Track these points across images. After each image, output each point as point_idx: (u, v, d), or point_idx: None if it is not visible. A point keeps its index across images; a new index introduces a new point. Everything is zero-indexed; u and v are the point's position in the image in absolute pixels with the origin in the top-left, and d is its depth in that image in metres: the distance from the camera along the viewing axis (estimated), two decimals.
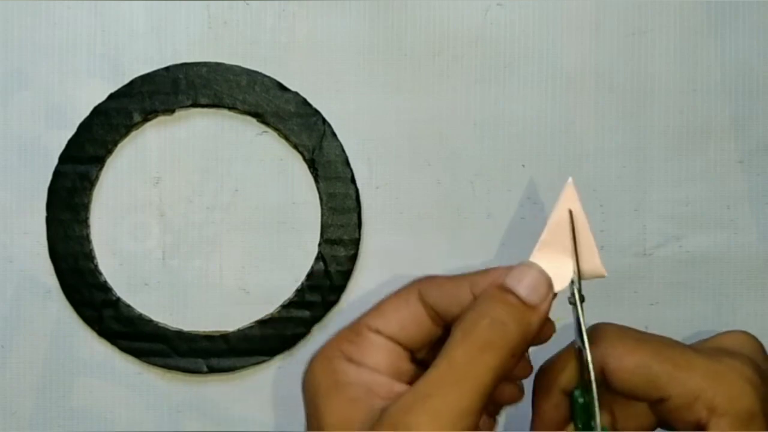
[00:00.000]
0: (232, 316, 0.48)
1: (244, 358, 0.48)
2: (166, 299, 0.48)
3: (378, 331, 0.34)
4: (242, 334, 0.48)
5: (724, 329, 0.41)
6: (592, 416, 0.34)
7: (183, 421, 0.48)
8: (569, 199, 0.35)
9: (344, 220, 0.48)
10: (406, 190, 0.48)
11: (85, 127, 0.48)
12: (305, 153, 0.48)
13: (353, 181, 0.48)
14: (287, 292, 0.48)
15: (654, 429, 0.37)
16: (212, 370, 0.48)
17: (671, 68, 0.48)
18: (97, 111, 0.48)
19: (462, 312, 0.34)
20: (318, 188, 0.48)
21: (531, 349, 0.36)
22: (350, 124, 0.48)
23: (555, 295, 0.35)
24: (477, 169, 0.48)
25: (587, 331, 0.36)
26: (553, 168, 0.48)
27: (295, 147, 0.48)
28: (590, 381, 0.34)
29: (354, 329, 0.35)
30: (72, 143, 0.48)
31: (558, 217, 0.35)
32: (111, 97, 0.48)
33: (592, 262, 0.35)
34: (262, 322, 0.48)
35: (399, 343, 0.35)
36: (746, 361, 0.34)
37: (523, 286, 0.33)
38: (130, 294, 0.48)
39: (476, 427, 0.31)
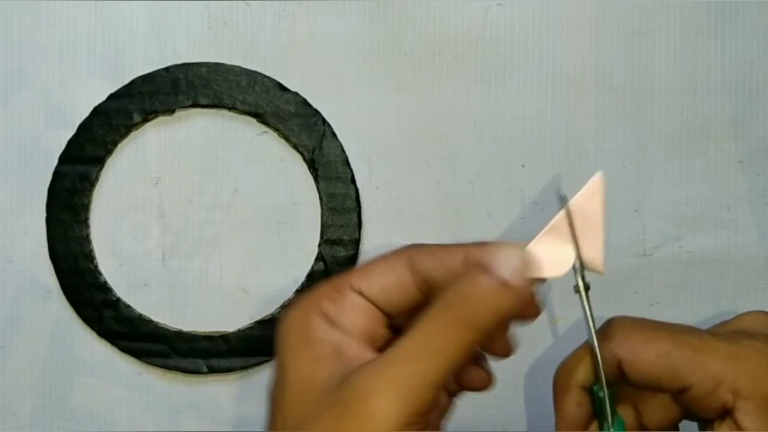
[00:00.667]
0: (232, 316, 0.48)
1: (244, 358, 0.48)
2: (166, 299, 0.48)
3: (360, 292, 0.34)
4: (242, 335, 0.48)
5: None
6: (605, 410, 0.34)
7: (183, 421, 0.48)
8: (595, 192, 0.34)
9: (344, 220, 0.48)
10: (406, 190, 0.48)
11: (85, 127, 0.48)
12: (305, 153, 0.48)
13: (353, 181, 0.48)
14: (287, 292, 0.48)
15: (679, 421, 0.37)
16: (212, 370, 0.48)
17: (671, 68, 0.48)
18: (97, 111, 0.48)
19: (451, 281, 0.33)
20: (318, 188, 0.48)
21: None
22: (350, 124, 0.48)
23: (544, 280, 0.34)
24: (477, 169, 0.48)
25: (602, 325, 0.36)
26: (553, 168, 0.48)
27: (295, 147, 0.48)
28: (599, 372, 0.34)
29: (336, 286, 0.35)
30: (72, 143, 0.48)
31: (576, 206, 0.34)
32: (111, 97, 0.48)
33: (595, 257, 0.35)
34: (262, 323, 0.48)
35: (379, 307, 0.34)
36: (766, 340, 0.34)
37: (506, 268, 0.32)
38: (130, 294, 0.48)
39: (435, 402, 0.31)
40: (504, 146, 0.48)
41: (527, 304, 0.34)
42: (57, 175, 0.48)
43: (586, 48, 0.48)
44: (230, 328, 0.48)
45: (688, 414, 0.36)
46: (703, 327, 0.48)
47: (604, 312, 0.48)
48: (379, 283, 0.34)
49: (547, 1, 0.48)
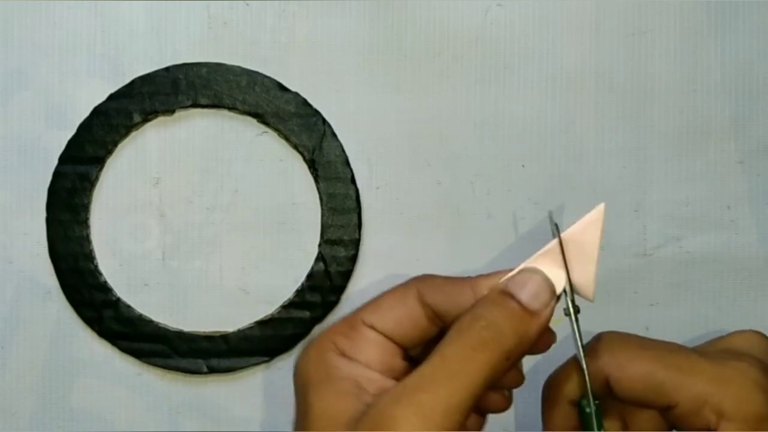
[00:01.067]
0: (232, 317, 0.48)
1: (244, 358, 0.48)
2: (166, 300, 0.48)
3: (373, 327, 0.34)
4: (242, 335, 0.48)
5: (725, 329, 0.41)
6: (591, 424, 0.34)
7: (183, 421, 0.48)
8: (595, 222, 0.35)
9: (344, 220, 0.48)
10: (406, 190, 0.48)
11: (85, 127, 0.48)
12: (305, 153, 0.48)
13: (353, 181, 0.48)
14: (287, 293, 0.48)
15: None
16: (212, 370, 0.48)
17: (671, 68, 0.48)
18: (97, 111, 0.48)
19: (461, 314, 0.34)
20: (318, 188, 0.48)
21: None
22: (350, 124, 0.48)
23: (557, 301, 0.35)
24: (477, 169, 0.48)
25: (591, 340, 0.36)
26: (553, 168, 0.48)
27: (295, 147, 0.48)
28: (586, 389, 0.34)
29: (349, 323, 0.35)
30: (72, 143, 0.48)
31: (574, 232, 0.35)
32: (111, 97, 0.48)
33: (587, 284, 0.35)
34: (262, 323, 0.48)
35: (393, 341, 0.35)
36: (754, 363, 0.34)
37: (526, 292, 0.33)
38: (130, 294, 0.48)
39: (462, 427, 0.31)
40: (504, 146, 0.48)
41: (544, 331, 0.34)
42: (57, 175, 0.48)
43: (586, 48, 0.48)
44: (230, 328, 0.48)
45: (675, 429, 0.36)
46: (703, 327, 0.48)
47: (604, 312, 0.48)
48: (390, 316, 0.34)
49: (547, 1, 0.48)
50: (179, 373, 0.48)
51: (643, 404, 0.35)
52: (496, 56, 0.48)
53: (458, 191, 0.48)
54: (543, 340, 0.35)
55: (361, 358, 0.34)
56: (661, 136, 0.48)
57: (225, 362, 0.48)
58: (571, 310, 0.35)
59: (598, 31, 0.48)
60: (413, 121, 0.48)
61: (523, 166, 0.48)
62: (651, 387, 0.33)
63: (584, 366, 0.34)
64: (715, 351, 0.36)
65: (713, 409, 0.33)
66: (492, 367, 0.32)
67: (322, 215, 0.48)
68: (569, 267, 0.34)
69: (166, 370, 0.48)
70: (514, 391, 0.37)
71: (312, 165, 0.48)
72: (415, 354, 0.36)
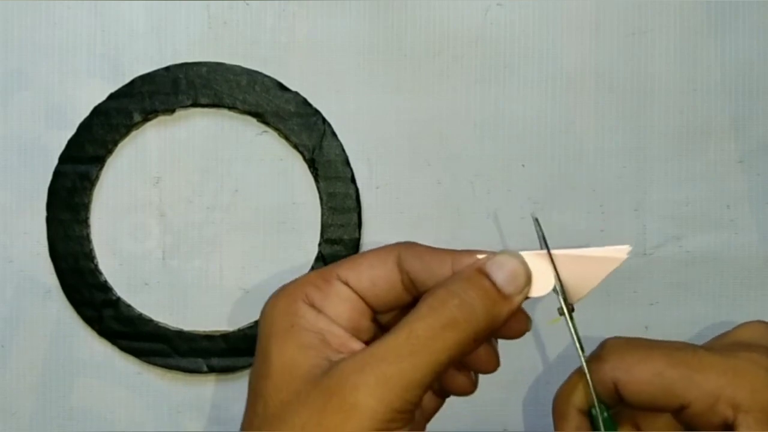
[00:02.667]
0: (232, 316, 0.48)
1: (244, 358, 0.48)
2: (166, 299, 0.48)
3: (347, 283, 0.34)
4: (242, 334, 0.48)
5: (725, 329, 0.41)
6: (605, 428, 0.34)
7: (183, 421, 0.48)
8: (611, 261, 0.34)
9: (344, 219, 0.48)
10: (406, 190, 0.48)
11: (85, 127, 0.48)
12: (305, 153, 0.48)
13: (353, 181, 0.48)
14: None
15: None
16: (212, 369, 0.48)
17: (671, 68, 0.48)
18: (97, 111, 0.48)
19: (436, 285, 0.33)
20: (318, 188, 0.48)
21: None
22: (350, 124, 0.48)
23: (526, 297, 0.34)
24: (477, 169, 0.48)
25: (596, 348, 0.35)
26: (553, 168, 0.48)
27: (295, 147, 0.48)
28: (592, 394, 0.34)
29: (323, 275, 0.34)
30: (72, 143, 0.48)
31: (583, 256, 0.34)
32: (111, 97, 0.48)
33: (578, 295, 0.35)
34: None
35: (365, 300, 0.34)
36: (765, 352, 0.33)
37: (502, 274, 0.32)
38: (130, 294, 0.48)
39: (419, 402, 0.31)
40: (504, 146, 0.48)
41: (517, 315, 0.34)
42: (57, 174, 0.48)
43: (586, 48, 0.48)
44: (230, 327, 0.48)
45: (690, 430, 0.35)
46: (703, 327, 0.48)
47: (604, 312, 0.48)
48: (366, 275, 0.34)
49: (547, 1, 0.48)
50: (179, 372, 0.48)
51: (654, 408, 0.34)
52: (496, 56, 0.48)
53: (458, 191, 0.48)
54: (516, 324, 0.34)
55: (330, 312, 0.33)
56: (661, 136, 0.48)
57: (225, 361, 0.48)
58: (565, 309, 0.34)
59: (598, 31, 0.48)
60: (413, 121, 0.48)
61: (523, 166, 0.48)
62: (661, 388, 0.33)
63: (584, 365, 0.34)
64: (723, 344, 0.35)
65: (728, 402, 0.32)
66: (458, 347, 0.31)
67: (322, 215, 0.48)
68: (569, 277, 0.34)
69: (166, 370, 0.48)
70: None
71: (312, 164, 0.48)
72: (383, 320, 0.36)
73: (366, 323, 0.35)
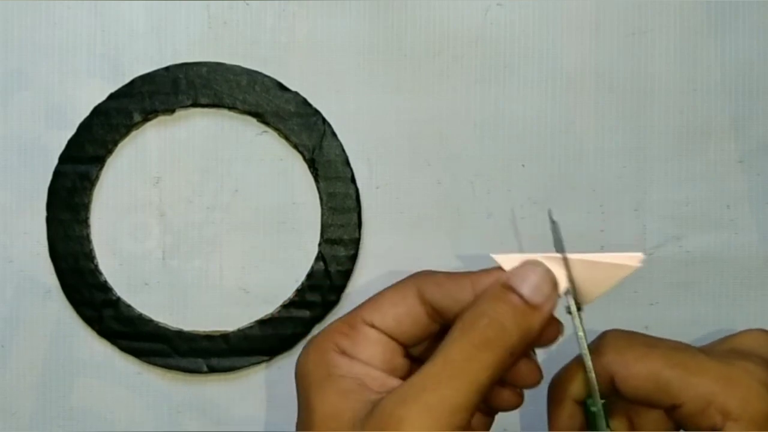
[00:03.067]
0: (232, 316, 0.48)
1: (244, 358, 0.48)
2: (166, 299, 0.48)
3: (373, 325, 0.34)
4: (242, 334, 0.48)
5: (725, 329, 0.41)
6: (599, 425, 0.34)
7: (183, 421, 0.48)
8: (623, 268, 0.34)
9: (344, 219, 0.48)
10: (406, 190, 0.48)
11: (85, 127, 0.48)
12: (305, 153, 0.48)
13: (353, 181, 0.48)
14: (287, 292, 0.48)
15: None
16: (212, 370, 0.48)
17: (671, 68, 0.48)
18: (97, 111, 0.48)
19: (462, 310, 0.33)
20: (318, 188, 0.48)
21: (542, 359, 0.36)
22: (350, 124, 0.48)
23: (559, 296, 0.34)
24: (477, 169, 0.48)
25: (596, 338, 0.36)
26: (553, 168, 0.48)
27: (295, 147, 0.48)
28: (592, 388, 0.34)
29: (349, 322, 0.35)
30: (72, 143, 0.48)
31: (595, 262, 0.34)
32: (111, 97, 0.48)
33: (587, 298, 0.35)
34: (262, 322, 0.48)
35: (394, 338, 0.34)
36: (760, 363, 0.34)
37: (527, 285, 0.32)
38: (130, 294, 0.48)
39: (469, 425, 0.31)
40: (504, 146, 0.48)
41: (549, 323, 0.34)
42: (57, 174, 0.48)
43: (586, 48, 0.48)
44: (230, 327, 0.48)
45: (681, 428, 0.36)
46: (703, 327, 0.48)
47: (604, 312, 0.48)
48: (390, 314, 0.34)
49: (547, 1, 0.48)
50: (179, 372, 0.48)
51: (648, 404, 0.34)
52: (496, 56, 0.48)
53: (458, 191, 0.48)
54: (549, 332, 0.34)
55: (363, 357, 0.34)
56: (661, 135, 0.49)
57: (225, 362, 0.48)
58: (573, 309, 0.34)
59: (598, 31, 0.48)
60: (413, 121, 0.48)
61: (523, 166, 0.48)
62: (657, 386, 0.33)
63: (589, 365, 0.34)
64: (722, 350, 0.35)
65: (719, 409, 0.32)
66: (496, 365, 0.32)
67: (322, 215, 0.48)
68: (580, 281, 0.34)
69: (167, 370, 0.48)
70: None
71: (312, 164, 0.48)
72: (416, 352, 0.36)
73: (399, 360, 0.35)
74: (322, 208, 0.48)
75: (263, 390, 0.48)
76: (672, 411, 0.34)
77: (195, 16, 0.48)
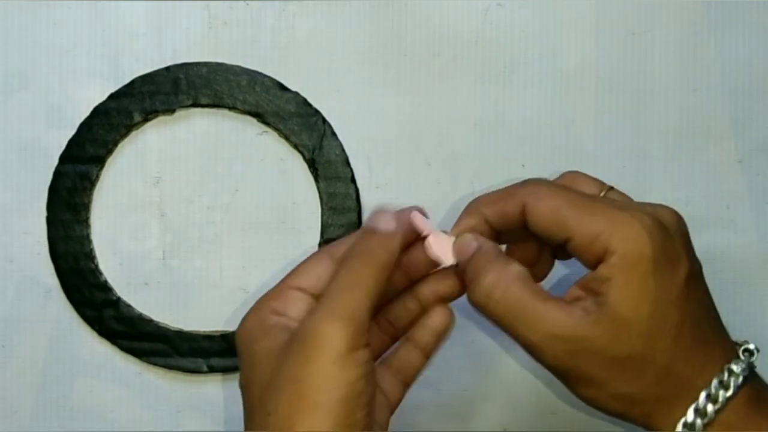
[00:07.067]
0: (232, 316, 0.48)
1: None
2: (167, 299, 0.48)
3: (298, 288, 0.40)
4: None
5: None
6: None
7: (183, 420, 0.48)
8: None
9: (344, 219, 0.48)
10: (406, 189, 0.48)
11: (85, 127, 0.48)
12: (305, 153, 0.48)
13: (353, 180, 0.48)
14: None
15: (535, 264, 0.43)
16: (212, 369, 0.48)
17: (671, 68, 0.48)
18: (97, 111, 0.48)
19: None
20: (318, 188, 0.48)
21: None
22: (350, 124, 0.48)
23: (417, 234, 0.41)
24: (477, 169, 0.48)
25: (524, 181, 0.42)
26: (553, 168, 0.48)
27: (295, 147, 0.48)
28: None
29: (277, 289, 0.41)
30: (72, 143, 0.48)
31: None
32: (111, 97, 0.48)
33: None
34: None
35: (315, 296, 0.40)
36: (651, 215, 0.38)
37: (380, 223, 0.40)
38: (130, 294, 0.48)
39: (367, 326, 0.37)
40: (504, 146, 0.48)
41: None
42: (57, 174, 0.48)
43: (586, 48, 0.48)
44: (230, 327, 0.48)
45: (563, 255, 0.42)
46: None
47: None
48: (310, 275, 0.40)
49: (547, 1, 0.48)
50: (179, 372, 0.48)
51: (548, 236, 0.40)
52: (496, 56, 0.48)
53: (458, 191, 0.48)
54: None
55: (292, 313, 0.39)
56: (661, 136, 0.49)
57: (225, 362, 0.48)
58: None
59: (598, 31, 0.48)
60: (413, 121, 0.48)
61: (523, 166, 0.48)
62: (556, 220, 0.39)
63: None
64: (625, 202, 0.41)
65: (602, 243, 0.38)
66: (377, 275, 0.38)
67: (322, 215, 0.48)
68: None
69: (167, 370, 0.48)
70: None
71: (312, 164, 0.48)
72: None
73: None
74: (322, 208, 0.48)
75: None
76: (565, 244, 0.39)
77: (195, 16, 0.48)
